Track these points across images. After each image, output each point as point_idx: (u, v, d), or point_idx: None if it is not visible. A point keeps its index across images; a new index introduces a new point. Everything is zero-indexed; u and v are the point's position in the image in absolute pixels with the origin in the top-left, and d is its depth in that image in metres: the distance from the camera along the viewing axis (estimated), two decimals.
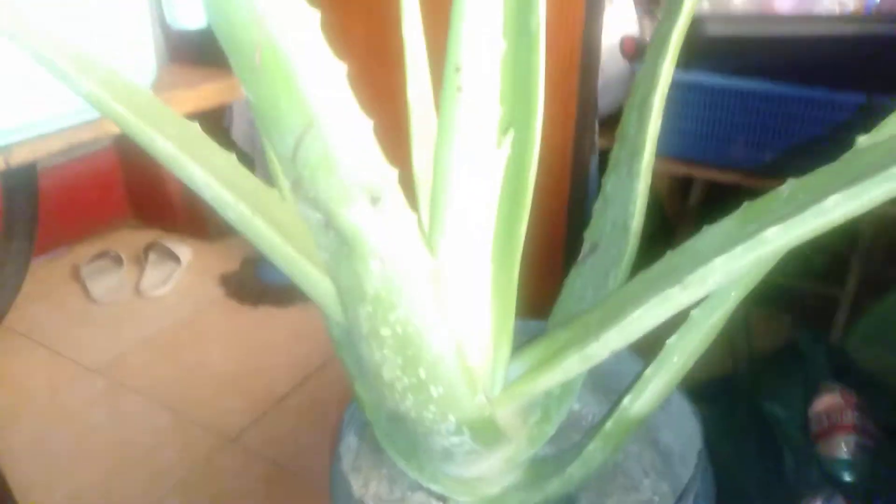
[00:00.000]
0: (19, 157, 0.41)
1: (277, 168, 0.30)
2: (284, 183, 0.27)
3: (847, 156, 0.27)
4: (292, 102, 0.21)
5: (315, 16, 0.20)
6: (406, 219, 0.24)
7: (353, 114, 0.22)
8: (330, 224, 0.25)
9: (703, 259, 0.26)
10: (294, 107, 0.21)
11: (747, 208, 0.28)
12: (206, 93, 0.51)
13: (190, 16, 0.46)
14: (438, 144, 0.26)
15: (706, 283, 0.26)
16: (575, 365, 0.29)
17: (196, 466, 1.16)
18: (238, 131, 1.79)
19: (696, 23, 1.08)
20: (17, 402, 1.31)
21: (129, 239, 1.88)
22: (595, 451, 0.32)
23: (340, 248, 0.25)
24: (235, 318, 1.57)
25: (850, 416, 0.87)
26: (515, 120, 0.32)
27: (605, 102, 1.34)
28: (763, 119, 1.06)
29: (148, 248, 1.77)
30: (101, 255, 1.75)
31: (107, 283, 1.69)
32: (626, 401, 0.31)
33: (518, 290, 0.32)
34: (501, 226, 0.32)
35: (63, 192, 1.82)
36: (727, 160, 1.13)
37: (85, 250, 1.79)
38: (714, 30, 1.04)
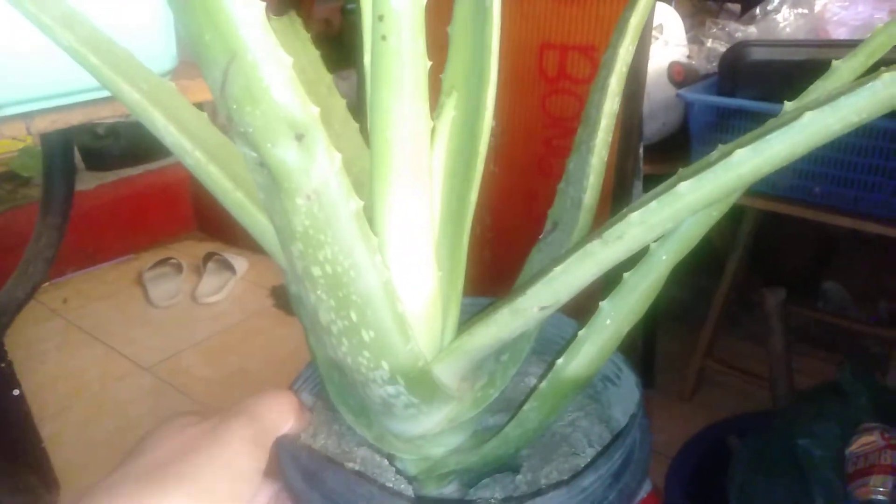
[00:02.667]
0: (40, 126, 0.45)
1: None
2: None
3: (770, 121, 0.27)
4: (216, 36, 0.23)
5: None
6: (332, 157, 0.26)
7: (273, 49, 0.24)
8: (263, 162, 0.27)
9: (623, 216, 0.27)
10: (218, 40, 0.23)
11: (680, 172, 0.29)
12: None
13: None
14: (372, 90, 0.28)
15: (624, 238, 0.27)
16: (506, 318, 0.30)
17: None
18: None
19: (743, 48, 1.06)
20: (71, 392, 1.39)
21: (191, 249, 1.98)
22: (530, 412, 0.32)
23: (271, 186, 0.27)
24: (280, 328, 1.62)
25: (888, 458, 0.82)
26: (462, 86, 0.33)
27: (652, 129, 1.33)
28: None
29: (207, 258, 1.85)
30: (163, 262, 1.85)
31: (166, 289, 1.77)
32: (559, 362, 0.31)
33: None
34: (449, 187, 0.34)
35: (134, 202, 1.94)
36: (778, 190, 1.10)
37: (150, 257, 1.90)
38: (760, 55, 1.02)
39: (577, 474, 0.30)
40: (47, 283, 1.82)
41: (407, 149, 0.28)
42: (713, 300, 1.34)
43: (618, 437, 0.32)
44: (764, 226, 1.31)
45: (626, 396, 0.35)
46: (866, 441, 0.86)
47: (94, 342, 1.58)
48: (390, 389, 0.31)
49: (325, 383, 0.35)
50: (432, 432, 0.33)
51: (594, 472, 0.30)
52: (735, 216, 1.30)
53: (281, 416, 0.32)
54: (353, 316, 0.29)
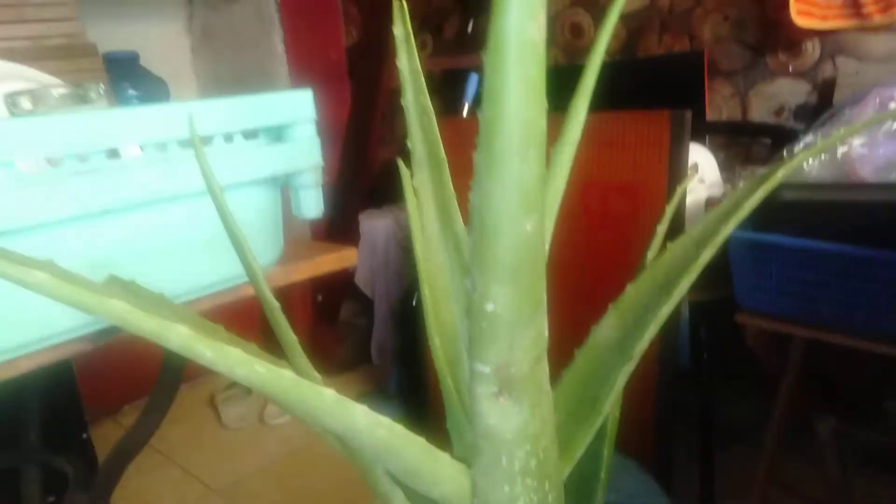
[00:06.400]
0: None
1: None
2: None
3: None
4: None
5: None
6: None
7: None
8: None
9: None
10: None
11: None
12: (321, 262, 0.66)
13: (312, 208, 0.62)
14: None
15: None
16: None
17: None
18: (360, 277, 2.01)
19: (774, 190, 1.14)
20: None
21: None
22: None
23: None
24: None
25: None
26: None
27: None
28: (846, 280, 1.08)
29: None
30: (235, 383, 1.96)
31: (236, 410, 1.87)
32: None
33: None
34: None
35: None
36: (820, 318, 1.14)
37: (222, 379, 2.01)
38: (790, 195, 1.10)
39: None
40: (127, 406, 1.95)
41: None
42: (769, 425, 1.35)
43: None
44: (816, 348, 1.33)
45: None
46: None
47: (169, 464, 1.67)
48: None
49: None
50: None
51: None
52: (784, 341, 1.34)
53: None
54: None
